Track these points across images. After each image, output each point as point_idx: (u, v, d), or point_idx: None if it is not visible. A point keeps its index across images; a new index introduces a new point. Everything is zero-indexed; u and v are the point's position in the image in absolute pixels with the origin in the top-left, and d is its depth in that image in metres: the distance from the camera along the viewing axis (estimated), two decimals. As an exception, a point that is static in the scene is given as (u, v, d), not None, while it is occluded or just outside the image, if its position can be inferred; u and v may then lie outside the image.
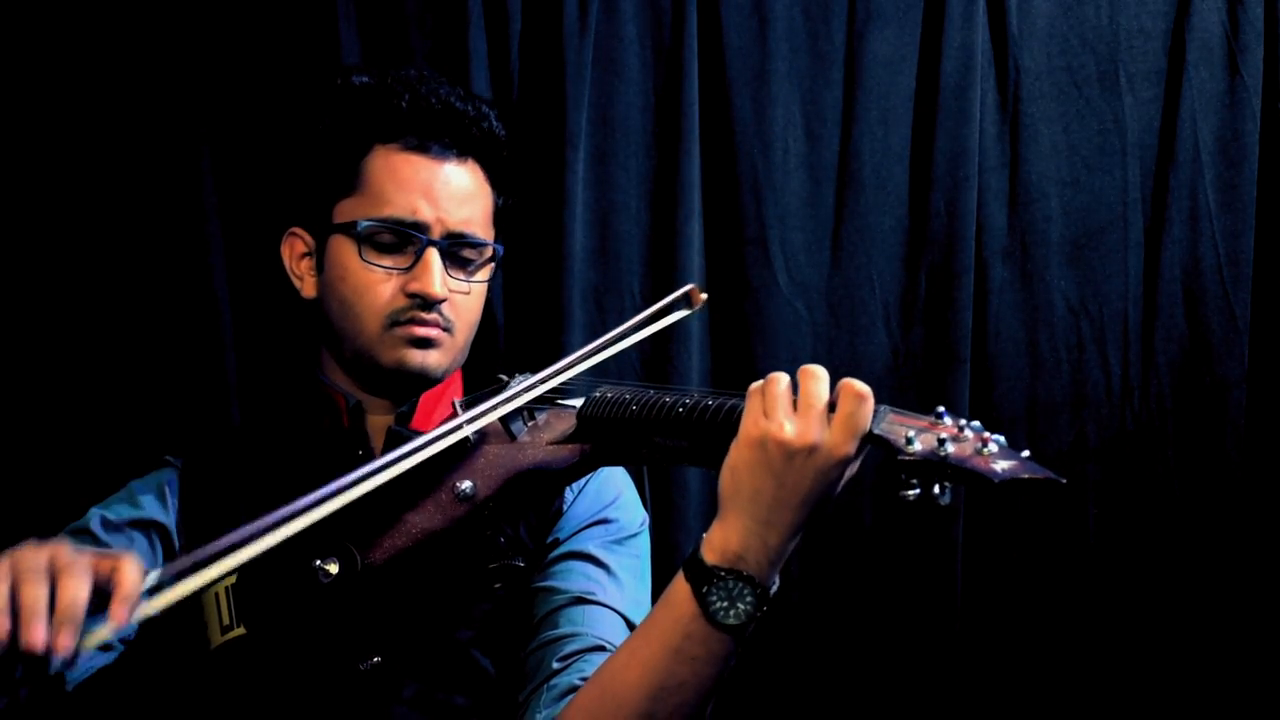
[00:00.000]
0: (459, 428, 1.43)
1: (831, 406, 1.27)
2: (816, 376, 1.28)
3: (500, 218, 1.77)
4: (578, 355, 1.50)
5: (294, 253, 1.76)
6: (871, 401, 1.26)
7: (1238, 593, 2.20)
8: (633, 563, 1.66)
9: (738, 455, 1.29)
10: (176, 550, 1.68)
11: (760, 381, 1.30)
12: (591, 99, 2.19)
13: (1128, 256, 2.25)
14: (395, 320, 1.65)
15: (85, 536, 1.65)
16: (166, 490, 1.70)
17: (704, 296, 1.51)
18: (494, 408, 1.45)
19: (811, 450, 1.26)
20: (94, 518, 1.67)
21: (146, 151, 2.13)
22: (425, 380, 1.69)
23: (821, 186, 2.25)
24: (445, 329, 1.67)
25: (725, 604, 1.30)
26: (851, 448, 1.26)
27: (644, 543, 1.71)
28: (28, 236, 2.13)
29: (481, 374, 1.75)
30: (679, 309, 1.51)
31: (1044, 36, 2.25)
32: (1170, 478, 2.23)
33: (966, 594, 2.21)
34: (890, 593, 2.20)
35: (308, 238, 1.74)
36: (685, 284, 2.15)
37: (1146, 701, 2.20)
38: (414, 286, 1.64)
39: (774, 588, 1.33)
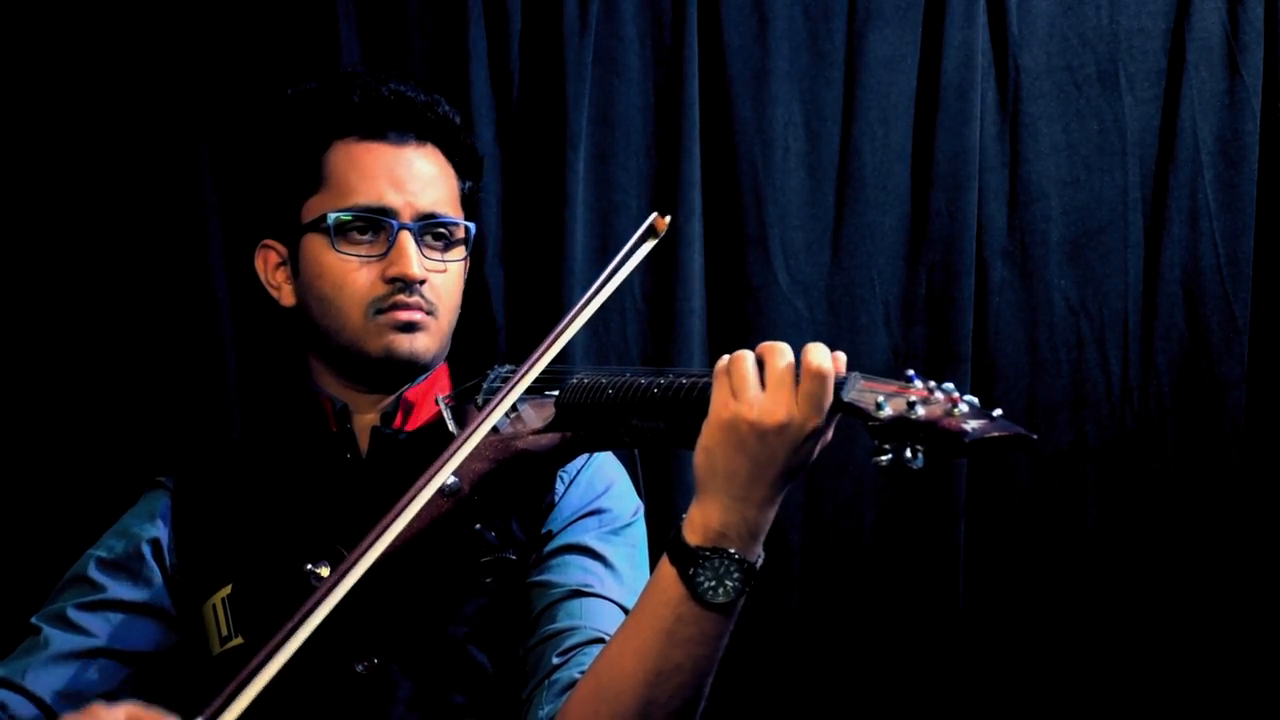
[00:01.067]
0: (490, 414, 1.42)
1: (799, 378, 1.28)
2: (780, 352, 1.29)
3: (467, 202, 1.77)
4: (569, 316, 1.47)
5: (268, 265, 1.76)
6: (832, 377, 1.26)
7: (1237, 592, 2.20)
8: (629, 552, 1.66)
9: (710, 437, 1.30)
10: (169, 569, 1.68)
11: (725, 359, 1.31)
12: (591, 99, 2.19)
13: (1128, 256, 2.25)
14: (379, 308, 1.65)
15: (84, 585, 1.66)
16: (159, 520, 1.71)
17: (667, 221, 1.49)
18: (514, 386, 1.43)
19: (782, 428, 1.27)
20: (90, 562, 1.68)
21: (146, 151, 2.14)
22: (415, 367, 1.68)
23: (822, 186, 2.25)
24: (429, 312, 1.67)
25: (713, 583, 1.31)
26: (820, 420, 1.27)
27: (639, 531, 1.70)
28: (25, 237, 2.13)
29: (479, 373, 1.76)
30: (647, 240, 1.48)
31: (1044, 36, 2.25)
32: (1170, 477, 2.23)
33: (968, 594, 2.21)
34: (892, 593, 2.20)
35: (280, 247, 1.74)
36: (686, 284, 2.19)
37: (1147, 701, 2.20)
38: (392, 270, 1.64)
39: (759, 561, 1.33)
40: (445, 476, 1.38)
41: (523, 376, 1.43)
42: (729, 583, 1.31)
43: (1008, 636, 2.22)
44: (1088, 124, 2.25)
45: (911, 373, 1.22)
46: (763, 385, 1.28)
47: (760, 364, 1.29)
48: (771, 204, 2.22)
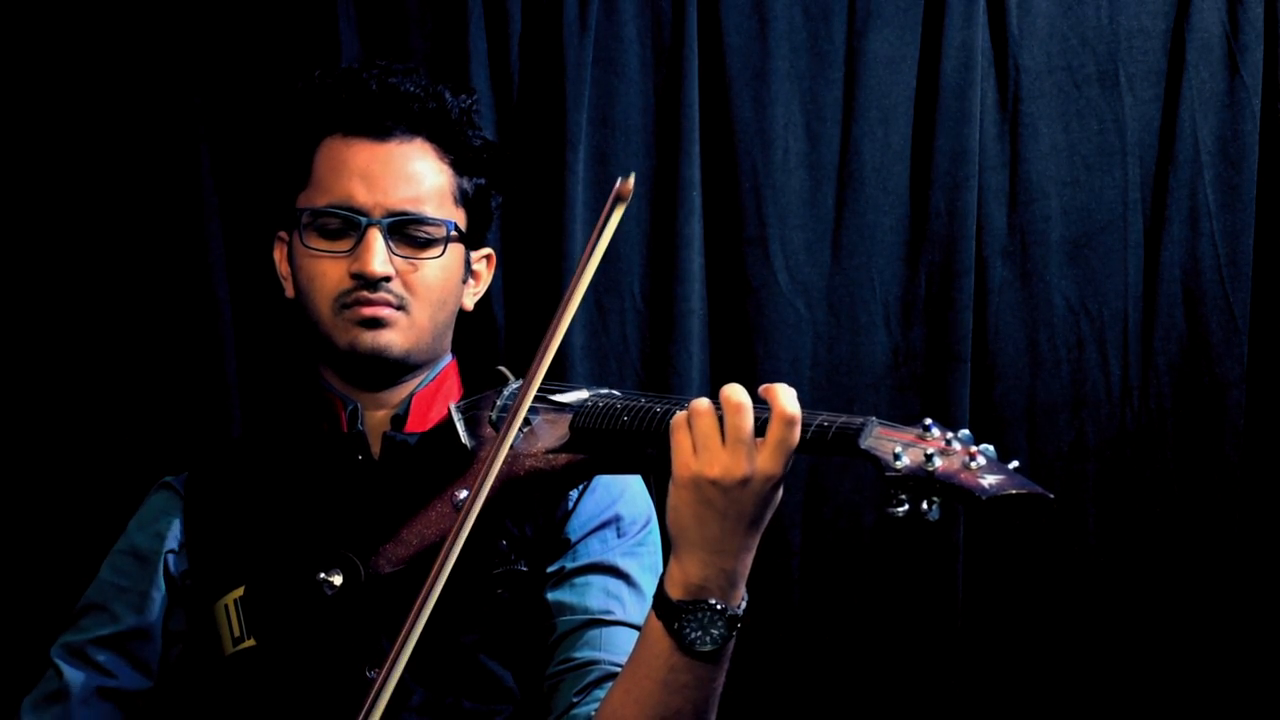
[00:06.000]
0: (512, 422, 1.41)
1: (760, 424, 1.28)
2: (739, 407, 1.29)
3: (472, 201, 1.75)
4: (563, 303, 1.44)
5: (282, 255, 1.78)
6: (799, 424, 1.27)
7: (1236, 592, 2.20)
8: (652, 561, 1.68)
9: (677, 496, 1.32)
10: (180, 577, 1.69)
11: (682, 413, 1.32)
12: (591, 99, 2.19)
13: (1128, 256, 2.25)
14: (344, 303, 1.66)
15: (103, 615, 1.69)
16: (170, 526, 1.72)
17: (631, 183, 1.42)
18: (522, 401, 1.42)
19: (745, 482, 1.28)
20: (106, 589, 1.70)
21: (146, 152, 2.14)
22: (386, 363, 1.68)
23: (822, 186, 2.25)
24: (398, 307, 1.66)
25: (699, 633, 1.34)
26: (782, 470, 1.29)
27: (657, 537, 1.71)
28: (25, 237, 2.13)
29: (480, 375, 1.76)
30: (617, 208, 1.44)
31: (1044, 36, 2.25)
32: (1169, 477, 2.23)
33: (968, 593, 2.21)
34: (892, 593, 2.20)
35: (287, 238, 1.76)
36: (686, 284, 2.19)
37: (1147, 701, 2.21)
38: (355, 267, 1.65)
39: (742, 605, 1.36)
40: (480, 502, 1.38)
41: (534, 375, 1.41)
42: (714, 632, 1.34)
43: (1007, 637, 2.22)
44: (1088, 124, 2.25)
45: (929, 421, 1.23)
46: (723, 438, 1.29)
47: (719, 415, 1.30)
48: (771, 204, 2.22)
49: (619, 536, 1.66)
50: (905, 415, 2.19)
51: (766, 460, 1.28)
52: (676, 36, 2.20)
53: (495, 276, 2.16)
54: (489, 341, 2.17)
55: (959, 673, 2.20)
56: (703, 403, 1.31)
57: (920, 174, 2.24)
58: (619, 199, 1.42)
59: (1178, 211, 2.24)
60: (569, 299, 1.42)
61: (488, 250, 1.83)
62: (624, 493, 1.69)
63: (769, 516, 1.33)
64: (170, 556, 1.70)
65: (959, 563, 2.20)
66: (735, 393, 1.30)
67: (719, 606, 1.33)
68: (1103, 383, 2.25)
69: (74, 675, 1.65)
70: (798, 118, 2.24)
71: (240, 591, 1.63)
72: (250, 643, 1.61)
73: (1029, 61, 2.25)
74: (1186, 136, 2.23)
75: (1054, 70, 2.25)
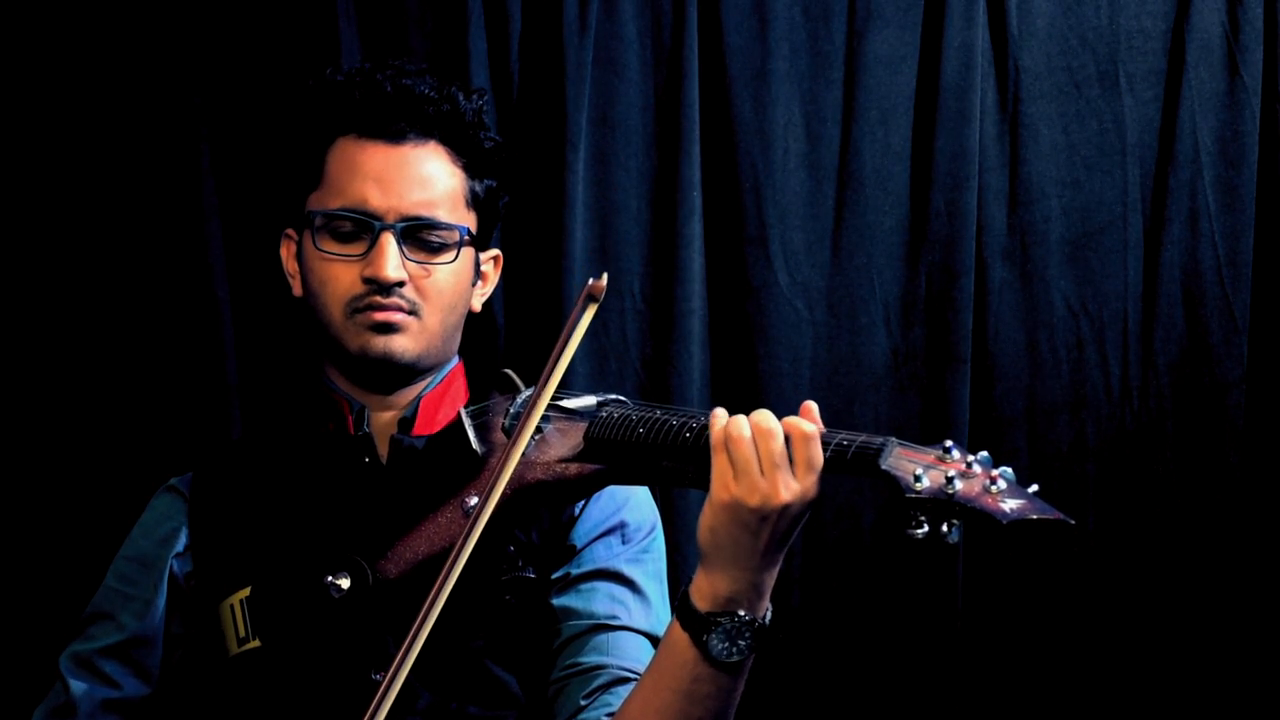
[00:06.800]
0: (524, 427, 1.42)
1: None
2: (773, 433, 1.30)
3: (483, 203, 1.75)
4: (540, 387, 1.44)
5: (289, 253, 1.78)
6: (819, 437, 1.29)
7: (1236, 592, 2.21)
8: (657, 569, 1.68)
9: (714, 517, 1.32)
10: (185, 580, 1.69)
11: (721, 431, 1.32)
12: (591, 99, 2.19)
13: (1127, 257, 2.25)
14: (355, 307, 1.65)
15: (108, 624, 1.68)
16: (176, 529, 1.71)
17: (604, 283, 1.44)
18: (533, 408, 1.43)
19: (785, 508, 1.29)
20: (113, 596, 1.70)
21: (146, 151, 2.13)
22: (396, 367, 1.68)
23: (822, 186, 2.25)
24: (410, 312, 1.66)
25: (726, 645, 1.34)
26: (816, 488, 1.30)
27: (662, 544, 1.71)
28: (25, 238, 2.13)
29: (482, 376, 1.75)
30: (588, 307, 1.45)
31: (1044, 36, 2.25)
32: (1169, 478, 2.23)
33: (967, 594, 2.21)
34: (892, 593, 2.20)
35: (296, 235, 1.76)
36: (686, 284, 2.19)
37: (1147, 701, 2.21)
38: (368, 271, 1.64)
39: (768, 615, 1.36)
40: (490, 509, 1.38)
41: (546, 383, 1.41)
42: (741, 642, 1.34)
43: (1007, 637, 2.22)
44: (1088, 124, 2.25)
45: (949, 443, 1.23)
46: (760, 467, 1.30)
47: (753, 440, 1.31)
48: (771, 204, 2.22)
49: (624, 543, 1.66)
50: (905, 415, 2.21)
51: (803, 482, 1.29)
52: (676, 36, 2.20)
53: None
54: (489, 342, 2.17)
55: (959, 673, 2.20)
56: (741, 429, 1.31)
57: (920, 174, 2.24)
58: (590, 298, 1.42)
59: (1178, 212, 2.24)
60: (543, 387, 1.41)
61: (495, 251, 1.82)
62: (629, 499, 1.69)
63: (796, 533, 1.34)
64: (175, 560, 1.70)
65: (959, 564, 2.20)
66: (765, 419, 1.31)
67: (747, 618, 1.34)
68: (1103, 383, 2.25)
69: (79, 688, 1.65)
70: (798, 118, 2.24)
71: (246, 592, 1.63)
72: (255, 643, 1.61)
73: (1029, 62, 2.25)
74: (1186, 137, 2.23)
75: (1054, 71, 2.25)
